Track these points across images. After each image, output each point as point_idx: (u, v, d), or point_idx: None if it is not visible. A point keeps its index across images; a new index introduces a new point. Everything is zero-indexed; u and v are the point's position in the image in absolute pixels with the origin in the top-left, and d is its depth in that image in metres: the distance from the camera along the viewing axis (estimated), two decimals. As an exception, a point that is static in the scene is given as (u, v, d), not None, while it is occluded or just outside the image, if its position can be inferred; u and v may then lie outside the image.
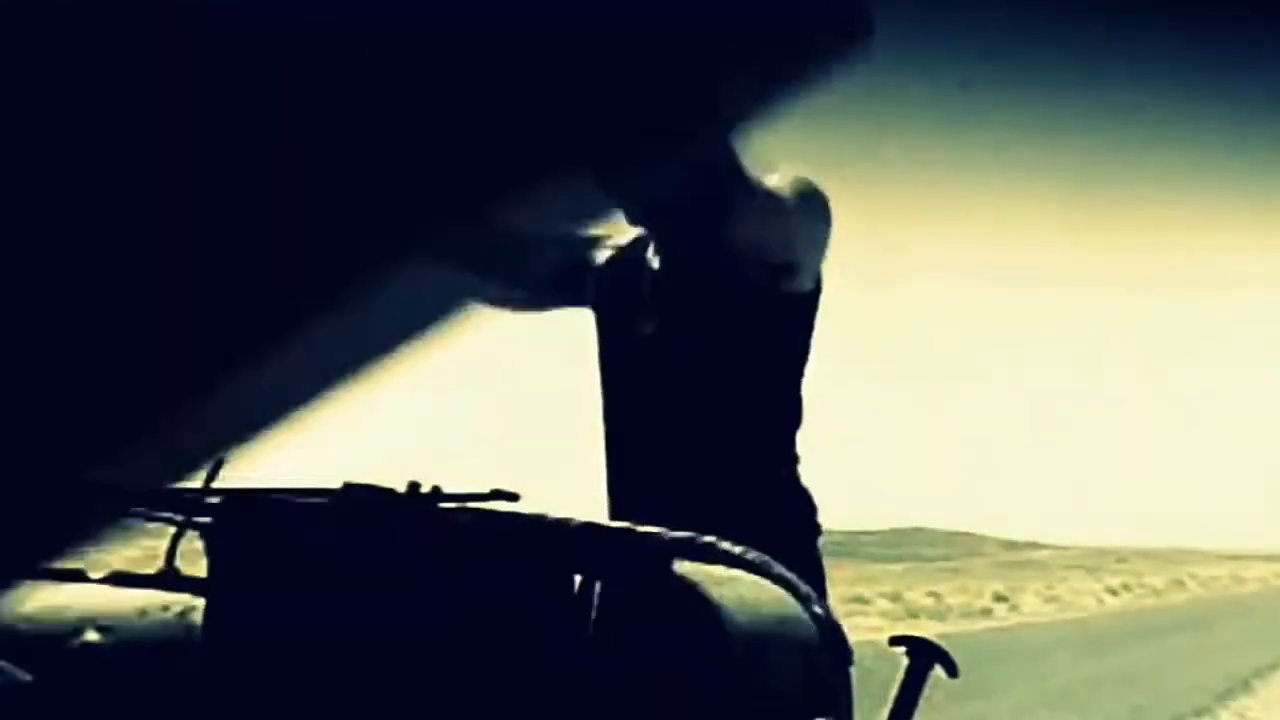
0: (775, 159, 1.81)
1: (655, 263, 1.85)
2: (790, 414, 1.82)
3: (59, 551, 1.18)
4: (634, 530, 1.51)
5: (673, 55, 1.35)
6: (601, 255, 1.98)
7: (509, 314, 2.04)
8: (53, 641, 1.39)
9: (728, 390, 1.78)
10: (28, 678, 1.25)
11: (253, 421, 1.26)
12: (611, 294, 1.92)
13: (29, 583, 1.51)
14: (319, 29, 0.96)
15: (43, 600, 1.46)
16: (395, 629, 1.30)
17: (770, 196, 1.75)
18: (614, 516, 1.78)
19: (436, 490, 1.40)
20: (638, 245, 1.94)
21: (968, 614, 24.51)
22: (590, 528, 1.52)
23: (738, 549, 1.39)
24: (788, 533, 1.74)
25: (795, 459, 1.83)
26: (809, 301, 1.80)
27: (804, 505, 1.82)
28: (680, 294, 1.80)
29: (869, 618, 20.92)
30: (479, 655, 1.28)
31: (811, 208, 1.79)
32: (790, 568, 1.53)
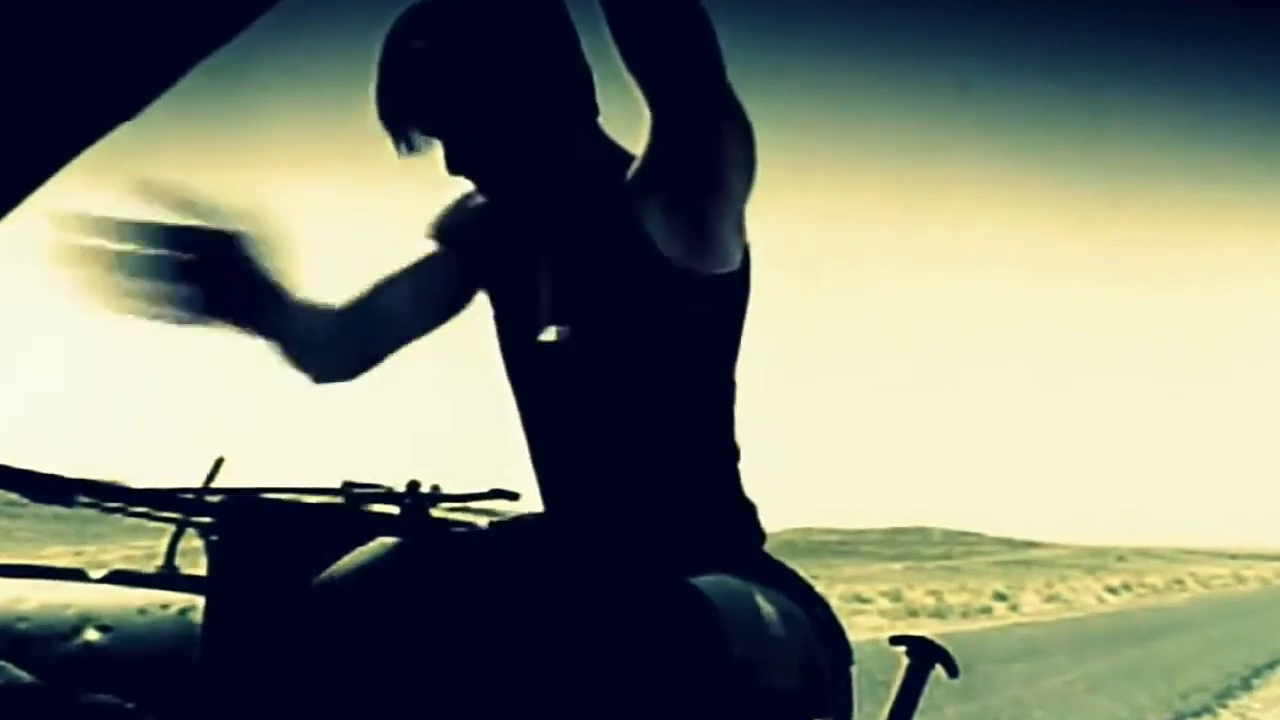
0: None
1: (558, 258, 1.62)
2: (721, 404, 1.63)
3: None
4: (636, 532, 1.51)
5: None
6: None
7: None
8: (53, 641, 1.39)
9: (647, 388, 1.57)
10: (28, 678, 1.25)
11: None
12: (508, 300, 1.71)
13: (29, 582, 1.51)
14: None
15: (43, 600, 1.46)
16: (394, 630, 1.30)
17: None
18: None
19: (436, 490, 1.40)
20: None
21: (968, 613, 24.51)
22: (590, 528, 1.52)
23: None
24: (729, 532, 1.62)
25: (735, 454, 1.64)
26: (735, 281, 1.60)
27: (744, 511, 1.63)
28: (587, 287, 1.59)
29: (869, 617, 20.93)
30: (478, 655, 1.28)
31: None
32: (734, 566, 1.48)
